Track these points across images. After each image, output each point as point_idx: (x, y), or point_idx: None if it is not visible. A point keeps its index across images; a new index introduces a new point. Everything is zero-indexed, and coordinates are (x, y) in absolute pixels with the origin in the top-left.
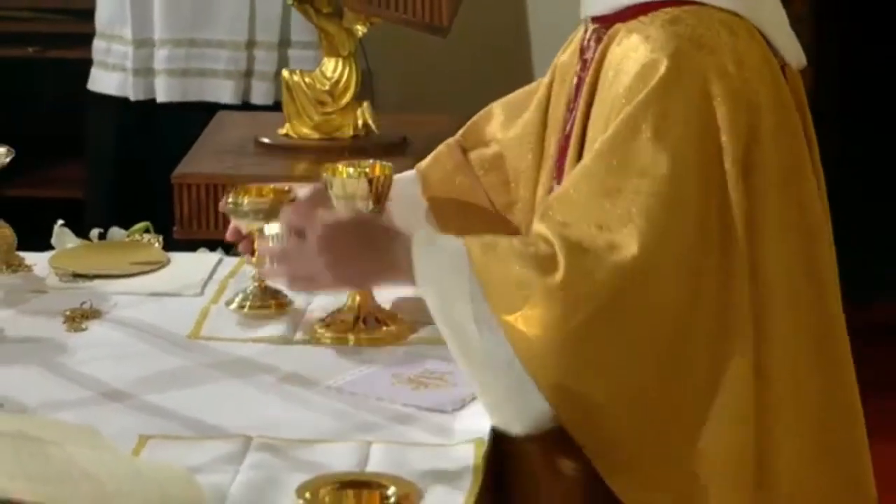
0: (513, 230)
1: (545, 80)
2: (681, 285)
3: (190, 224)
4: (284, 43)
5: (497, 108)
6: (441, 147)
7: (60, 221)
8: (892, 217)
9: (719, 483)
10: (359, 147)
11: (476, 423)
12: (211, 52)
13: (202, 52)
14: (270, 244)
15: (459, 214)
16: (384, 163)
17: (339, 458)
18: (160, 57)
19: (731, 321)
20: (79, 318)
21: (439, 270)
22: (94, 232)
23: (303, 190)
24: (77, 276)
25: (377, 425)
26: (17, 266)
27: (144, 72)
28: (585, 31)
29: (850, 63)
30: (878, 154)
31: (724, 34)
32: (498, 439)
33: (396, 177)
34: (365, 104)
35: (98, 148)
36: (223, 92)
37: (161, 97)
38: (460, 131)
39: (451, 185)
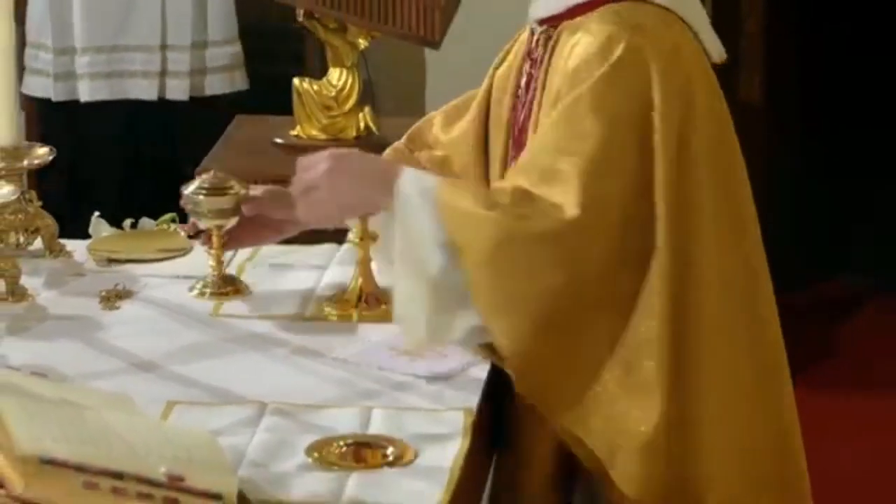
0: None
1: (482, 87)
2: (610, 248)
3: None
4: (200, 45)
5: (436, 115)
6: (389, 151)
7: (97, 213)
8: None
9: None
10: (361, 146)
11: (465, 393)
12: (129, 55)
13: (121, 55)
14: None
15: None
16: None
17: (343, 422)
18: (83, 62)
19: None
20: (113, 297)
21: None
22: (127, 222)
23: (256, 190)
24: (111, 260)
25: (377, 392)
26: (58, 252)
27: (65, 76)
28: (532, 35)
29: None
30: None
31: (659, 24)
32: (490, 405)
33: None
34: (366, 109)
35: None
36: (141, 90)
37: (85, 97)
38: (404, 137)
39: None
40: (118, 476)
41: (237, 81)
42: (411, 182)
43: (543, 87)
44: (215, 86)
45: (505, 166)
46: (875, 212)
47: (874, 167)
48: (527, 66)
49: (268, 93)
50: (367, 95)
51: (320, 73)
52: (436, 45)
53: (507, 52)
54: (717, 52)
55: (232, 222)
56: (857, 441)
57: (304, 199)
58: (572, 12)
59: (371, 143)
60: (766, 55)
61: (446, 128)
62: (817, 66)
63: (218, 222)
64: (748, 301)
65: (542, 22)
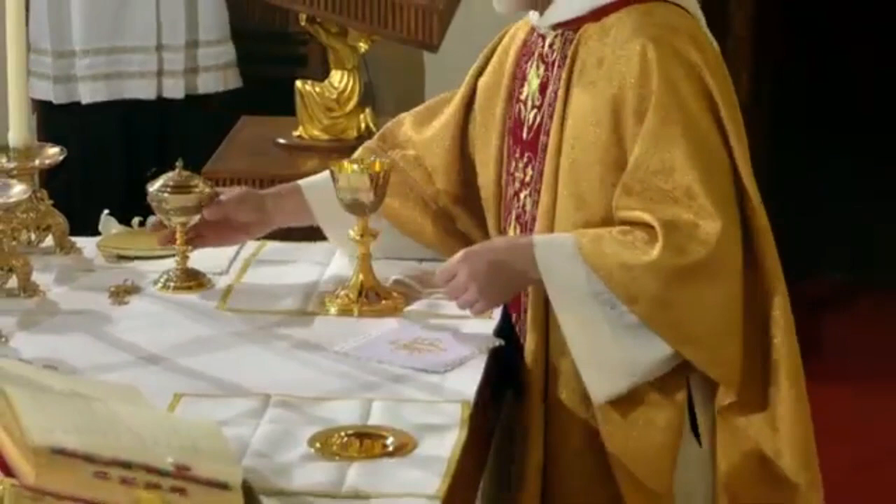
0: (438, 211)
1: (460, 93)
2: (738, 243)
3: None
4: (192, 44)
5: (407, 116)
6: (361, 150)
7: (106, 211)
8: None
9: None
10: (361, 145)
11: (462, 385)
12: (126, 56)
13: (118, 57)
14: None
15: (396, 197)
16: (383, 160)
17: (344, 413)
18: (82, 65)
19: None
20: (121, 293)
21: (558, 264)
22: (135, 220)
23: (228, 193)
24: (120, 257)
25: (377, 384)
26: (68, 249)
27: (65, 78)
28: (536, 37)
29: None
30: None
31: (684, 21)
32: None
33: (315, 178)
34: (367, 110)
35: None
36: (139, 90)
37: (86, 99)
38: (375, 137)
39: None
40: (127, 466)
41: (230, 80)
42: (549, 249)
43: (567, 89)
44: (209, 84)
45: (501, 166)
46: (855, 210)
47: (857, 166)
48: (540, 70)
49: (264, 93)
50: (368, 97)
51: (322, 75)
52: (434, 48)
53: (487, 60)
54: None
55: (196, 219)
56: (844, 436)
57: (465, 304)
58: (595, 14)
59: None
60: (752, 55)
61: (418, 128)
62: (801, 64)
63: (183, 219)
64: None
65: (557, 26)
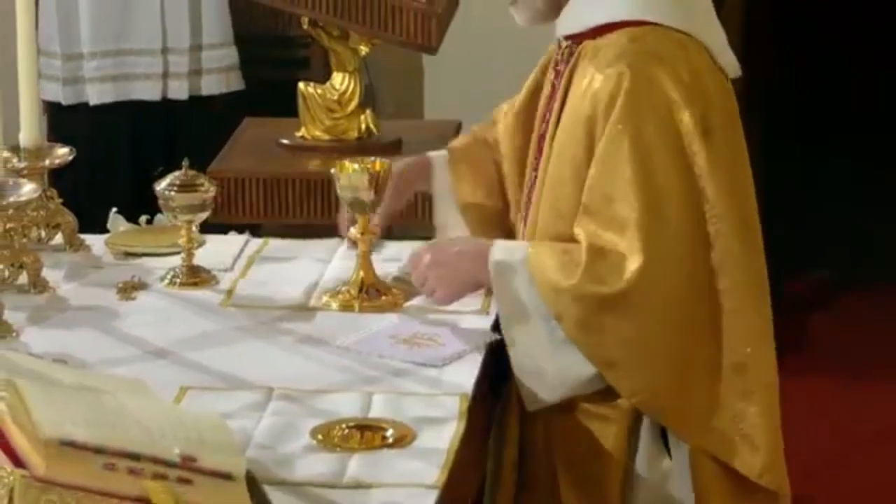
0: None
1: (519, 99)
2: (680, 279)
3: (223, 211)
4: (196, 48)
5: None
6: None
7: (114, 209)
8: None
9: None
10: (362, 147)
11: (460, 379)
12: (132, 59)
13: (125, 59)
14: None
15: (470, 172)
16: (383, 160)
17: (345, 406)
18: (90, 67)
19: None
20: (129, 289)
21: (506, 270)
22: (143, 218)
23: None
24: (128, 254)
25: (378, 378)
26: (78, 246)
27: (73, 80)
28: (559, 47)
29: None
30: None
31: (676, 49)
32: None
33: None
34: (367, 111)
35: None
36: (145, 91)
37: (94, 100)
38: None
39: (469, 150)
40: (135, 457)
41: (232, 82)
42: (502, 253)
43: (563, 100)
44: (212, 86)
45: (532, 169)
46: (844, 207)
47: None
48: (551, 77)
49: (267, 95)
50: (369, 98)
51: (324, 77)
52: (433, 50)
53: (538, 67)
54: (733, 68)
55: (202, 217)
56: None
57: (426, 290)
58: (594, 32)
59: (371, 143)
60: (744, 63)
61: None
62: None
63: (188, 217)
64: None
65: (566, 37)
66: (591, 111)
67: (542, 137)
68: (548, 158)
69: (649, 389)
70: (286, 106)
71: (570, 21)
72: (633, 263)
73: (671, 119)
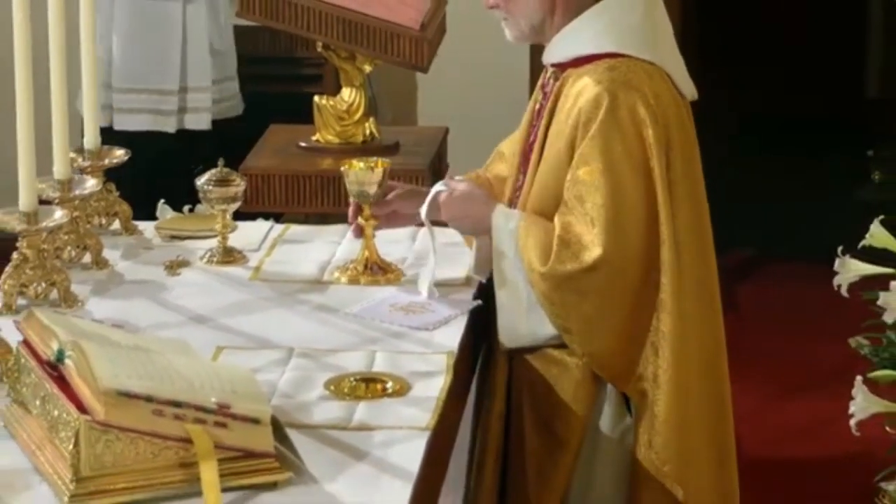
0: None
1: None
2: (634, 270)
3: (251, 202)
4: (218, 81)
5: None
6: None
7: (162, 200)
8: None
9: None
10: (366, 149)
11: (447, 340)
12: (153, 97)
13: (147, 97)
14: None
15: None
16: (384, 160)
17: (353, 362)
18: (119, 99)
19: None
20: (175, 266)
21: (504, 230)
22: (186, 207)
23: (396, 191)
24: (173, 237)
25: (379, 339)
26: (132, 231)
27: (103, 107)
28: (546, 73)
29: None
30: None
31: (644, 77)
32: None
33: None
34: (371, 119)
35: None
36: (162, 124)
37: (117, 127)
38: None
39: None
40: (178, 405)
41: (234, 108)
42: (502, 217)
43: (550, 118)
44: (219, 114)
45: (520, 173)
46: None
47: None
48: (540, 97)
49: (289, 105)
50: (372, 108)
51: (335, 91)
52: (424, 69)
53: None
54: (690, 92)
55: (235, 206)
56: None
57: (436, 214)
58: (577, 62)
59: (374, 146)
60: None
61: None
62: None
63: (223, 207)
64: (712, 299)
65: (553, 65)
66: (573, 127)
67: (530, 145)
68: (535, 164)
69: (596, 354)
70: (304, 115)
71: (557, 52)
72: (593, 254)
73: (638, 135)
